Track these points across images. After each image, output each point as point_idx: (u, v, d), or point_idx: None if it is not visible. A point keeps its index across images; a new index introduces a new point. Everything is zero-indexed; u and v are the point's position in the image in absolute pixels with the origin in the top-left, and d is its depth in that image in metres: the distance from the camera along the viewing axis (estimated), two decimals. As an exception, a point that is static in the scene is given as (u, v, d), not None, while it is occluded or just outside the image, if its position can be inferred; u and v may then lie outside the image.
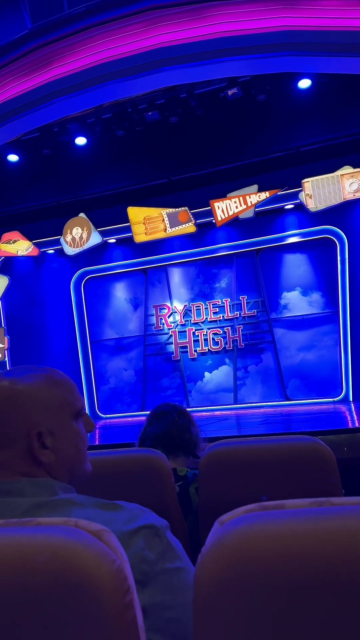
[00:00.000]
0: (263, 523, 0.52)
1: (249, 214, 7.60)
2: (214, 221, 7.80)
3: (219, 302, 8.23)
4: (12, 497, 0.74)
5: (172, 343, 8.41)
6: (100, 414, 8.49)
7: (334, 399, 7.45)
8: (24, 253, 8.67)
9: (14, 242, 8.66)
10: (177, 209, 7.91)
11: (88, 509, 0.72)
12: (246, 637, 0.50)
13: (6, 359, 8.63)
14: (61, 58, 5.59)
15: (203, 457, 1.40)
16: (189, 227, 7.91)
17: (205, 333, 8.24)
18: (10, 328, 8.82)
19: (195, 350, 8.27)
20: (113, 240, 8.60)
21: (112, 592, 0.53)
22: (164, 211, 7.95)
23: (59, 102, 5.66)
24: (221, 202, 7.67)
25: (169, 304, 8.50)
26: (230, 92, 6.48)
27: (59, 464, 0.81)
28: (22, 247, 8.65)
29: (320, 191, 7.15)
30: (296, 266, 7.92)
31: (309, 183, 7.21)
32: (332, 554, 0.48)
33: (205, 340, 8.23)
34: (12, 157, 7.59)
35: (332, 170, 7.14)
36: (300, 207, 7.53)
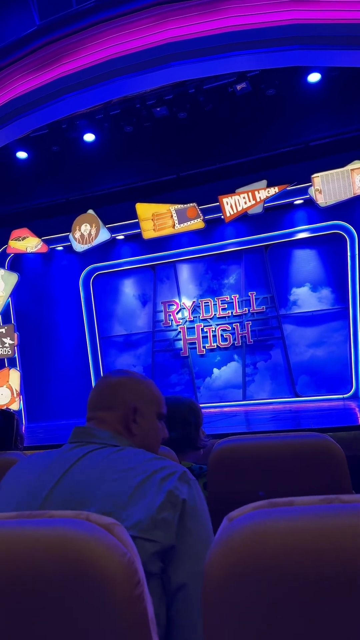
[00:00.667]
0: (272, 520, 0.52)
1: (258, 209, 7.56)
2: (222, 217, 7.78)
3: (227, 298, 8.21)
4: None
5: (180, 339, 8.41)
6: (109, 410, 8.51)
7: (344, 396, 7.41)
8: (33, 250, 8.71)
9: (23, 239, 8.71)
10: (185, 205, 7.90)
11: (139, 455, 0.94)
12: (254, 632, 0.50)
13: (16, 355, 8.69)
14: (70, 54, 5.59)
15: (212, 453, 1.40)
16: (197, 223, 7.89)
17: (213, 329, 8.23)
18: (20, 324, 8.88)
19: (204, 347, 8.27)
20: (121, 237, 8.60)
21: (123, 584, 0.53)
22: (173, 207, 7.93)
23: (67, 99, 5.66)
24: (230, 197, 7.64)
25: (177, 300, 8.49)
26: (239, 87, 6.44)
27: (140, 440, 1.04)
28: (31, 244, 8.69)
29: (330, 186, 7.09)
30: (306, 262, 7.87)
31: (318, 178, 7.16)
32: (342, 551, 0.48)
33: (214, 336, 8.22)
34: (21, 154, 7.61)
35: (342, 164, 7.07)
36: (310, 203, 7.48)
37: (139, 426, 1.05)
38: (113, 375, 1.12)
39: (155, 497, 0.84)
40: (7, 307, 8.79)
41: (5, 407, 8.27)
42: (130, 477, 0.87)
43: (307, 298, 7.83)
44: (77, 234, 8.41)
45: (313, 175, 7.18)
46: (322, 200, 7.16)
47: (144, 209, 8.04)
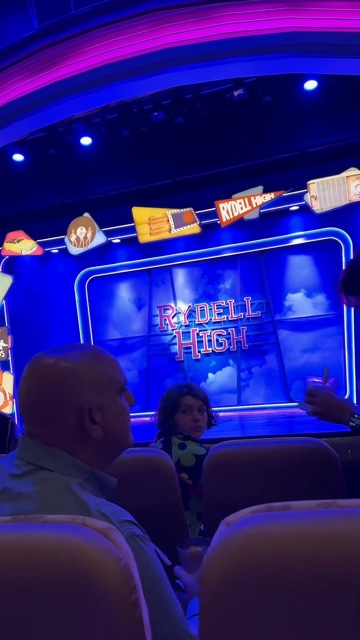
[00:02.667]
0: (269, 524, 0.51)
1: (254, 215, 7.59)
2: (218, 222, 7.79)
3: (223, 303, 8.22)
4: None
5: (175, 344, 8.40)
6: (103, 414, 8.48)
7: (338, 401, 7.41)
8: (28, 252, 8.68)
9: (18, 241, 8.68)
10: (181, 210, 7.91)
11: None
12: (251, 637, 0.50)
13: (9, 358, 8.65)
14: (67, 58, 5.60)
15: (207, 458, 1.40)
16: (193, 228, 7.91)
17: (209, 334, 8.23)
18: (14, 327, 8.84)
19: (199, 351, 8.26)
20: (117, 240, 8.60)
21: (119, 590, 0.53)
22: (169, 211, 7.95)
23: (65, 102, 5.67)
24: (226, 203, 7.66)
25: (173, 305, 8.49)
26: (236, 93, 6.47)
27: (107, 438, 0.86)
28: (26, 246, 8.67)
29: (325, 193, 7.13)
30: (301, 268, 7.90)
31: (314, 185, 7.20)
32: (339, 556, 0.48)
33: (209, 341, 8.22)
34: (18, 157, 7.60)
35: (338, 171, 7.12)
36: (306, 209, 7.51)
37: (100, 425, 0.84)
38: (42, 372, 0.82)
39: None
40: (0, 309, 8.75)
41: (-2, 410, 8.22)
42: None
43: (302, 304, 7.85)
44: (73, 237, 8.39)
45: (309, 182, 7.22)
46: (317, 206, 7.20)
47: (140, 213, 8.05)
